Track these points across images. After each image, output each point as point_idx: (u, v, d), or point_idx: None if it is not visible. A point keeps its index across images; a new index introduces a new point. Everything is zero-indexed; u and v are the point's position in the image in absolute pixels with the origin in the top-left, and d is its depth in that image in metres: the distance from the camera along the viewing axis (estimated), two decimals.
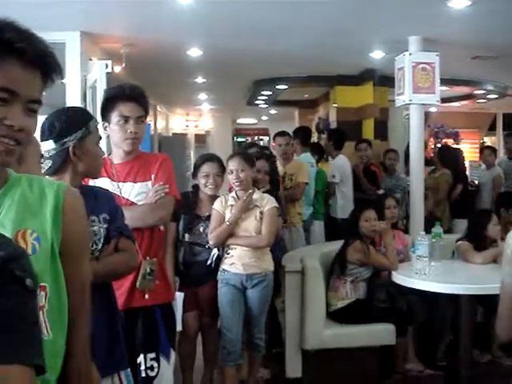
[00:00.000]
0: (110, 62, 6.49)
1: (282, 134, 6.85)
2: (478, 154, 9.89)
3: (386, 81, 8.58)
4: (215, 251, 4.42)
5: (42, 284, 1.54)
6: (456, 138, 11.07)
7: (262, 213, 4.33)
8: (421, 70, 6.22)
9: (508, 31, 6.78)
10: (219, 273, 4.38)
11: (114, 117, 3.32)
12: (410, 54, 6.33)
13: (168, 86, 12.14)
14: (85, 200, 2.31)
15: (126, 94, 3.34)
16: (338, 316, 5.01)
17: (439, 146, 8.74)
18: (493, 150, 8.96)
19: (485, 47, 7.75)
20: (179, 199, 3.49)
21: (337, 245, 5.33)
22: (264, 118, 20.60)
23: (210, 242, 4.33)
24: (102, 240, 2.53)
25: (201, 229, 4.48)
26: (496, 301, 4.82)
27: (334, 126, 10.32)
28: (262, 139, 22.34)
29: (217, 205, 4.38)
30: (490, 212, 5.70)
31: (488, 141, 18.69)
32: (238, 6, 5.83)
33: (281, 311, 5.28)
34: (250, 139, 21.21)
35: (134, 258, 2.73)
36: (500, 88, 11.75)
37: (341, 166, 7.38)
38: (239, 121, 21.52)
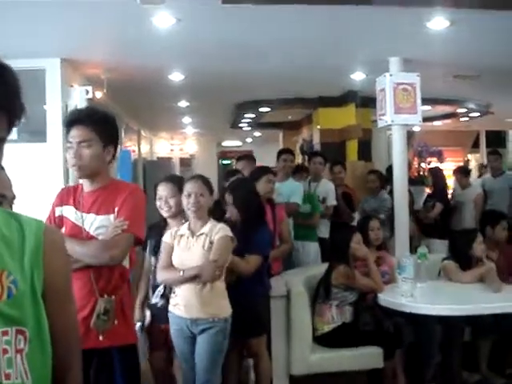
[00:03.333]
0: (90, 88, 6.48)
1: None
2: None
3: (368, 102, 8.62)
4: (161, 289, 4.05)
5: (19, 328, 1.49)
6: (439, 156, 11.06)
7: (211, 242, 3.82)
8: (402, 90, 6.22)
9: (487, 50, 6.84)
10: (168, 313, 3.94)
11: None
12: (391, 75, 6.35)
13: (151, 111, 12.14)
14: None
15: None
16: (324, 340, 4.95)
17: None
18: (465, 171, 9.04)
19: (465, 66, 7.81)
20: (140, 236, 3.21)
21: (322, 268, 5.28)
22: (248, 140, 20.63)
23: (158, 278, 3.95)
24: None
25: None
26: (483, 320, 4.83)
27: (317, 147, 10.32)
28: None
29: (167, 236, 3.97)
30: (475, 231, 5.69)
31: (472, 158, 18.84)
32: (219, 29, 5.82)
33: None
34: (235, 161, 21.21)
35: None
36: (482, 106, 11.85)
37: (330, 189, 7.33)
38: (224, 143, 21.54)
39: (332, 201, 7.22)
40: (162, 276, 3.89)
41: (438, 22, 5.57)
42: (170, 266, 3.84)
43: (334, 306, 4.95)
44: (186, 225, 3.96)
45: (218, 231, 3.85)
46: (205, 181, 4.01)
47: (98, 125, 3.07)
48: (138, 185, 3.46)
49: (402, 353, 5.07)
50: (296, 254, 6.55)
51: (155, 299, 4.13)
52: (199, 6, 5.03)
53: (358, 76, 8.20)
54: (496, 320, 5.08)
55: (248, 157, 7.16)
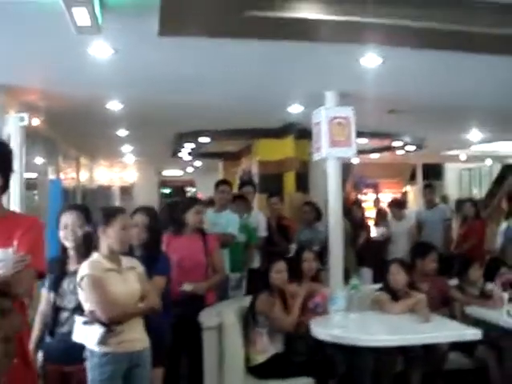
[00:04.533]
0: (26, 115, 6.39)
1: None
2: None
3: (306, 134, 8.73)
4: (101, 330, 3.52)
5: None
6: (375, 188, 11.31)
7: (139, 275, 3.77)
8: (337, 124, 6.35)
9: (420, 87, 7.05)
10: (95, 359, 3.54)
11: None
12: (326, 109, 6.47)
13: (90, 138, 12.05)
14: None
15: None
16: (257, 371, 4.94)
17: None
18: (399, 204, 9.31)
19: (399, 101, 8.02)
20: (42, 271, 3.01)
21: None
22: (189, 169, 20.63)
23: (104, 317, 3.49)
24: None
25: (65, 285, 3.81)
26: (414, 350, 4.91)
27: (255, 178, 10.40)
28: (188, 190, 22.42)
29: (91, 269, 3.60)
30: (391, 261, 5.83)
31: (410, 190, 19.27)
32: (157, 60, 5.83)
33: None
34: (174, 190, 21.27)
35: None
36: (417, 140, 12.15)
37: (261, 219, 7.39)
38: (164, 172, 21.50)
39: (263, 232, 7.28)
40: (112, 313, 3.53)
41: (371, 59, 5.72)
42: (113, 301, 3.57)
43: (264, 334, 4.96)
44: (101, 258, 3.70)
45: (138, 265, 3.84)
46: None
47: None
48: (37, 217, 3.25)
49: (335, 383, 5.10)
50: (232, 285, 6.58)
51: (96, 343, 3.55)
52: (136, 37, 5.05)
53: (295, 109, 8.32)
54: (427, 350, 5.17)
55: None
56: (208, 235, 5.52)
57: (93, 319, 3.51)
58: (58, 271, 3.86)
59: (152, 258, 4.36)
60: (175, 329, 4.63)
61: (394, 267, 5.58)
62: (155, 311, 3.76)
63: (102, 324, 3.50)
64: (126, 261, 3.79)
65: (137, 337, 3.66)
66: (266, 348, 4.97)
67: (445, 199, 16.39)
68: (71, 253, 3.93)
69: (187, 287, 5.05)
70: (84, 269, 3.60)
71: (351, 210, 8.71)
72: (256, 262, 7.15)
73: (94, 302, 3.53)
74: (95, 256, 3.72)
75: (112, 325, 3.52)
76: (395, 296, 5.44)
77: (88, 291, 3.55)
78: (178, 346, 4.87)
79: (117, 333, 3.54)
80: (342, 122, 6.35)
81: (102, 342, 3.50)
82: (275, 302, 5.04)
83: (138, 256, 4.16)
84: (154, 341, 3.82)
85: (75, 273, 3.67)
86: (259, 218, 7.36)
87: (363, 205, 10.06)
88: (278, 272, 5.17)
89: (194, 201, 5.82)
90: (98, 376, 3.52)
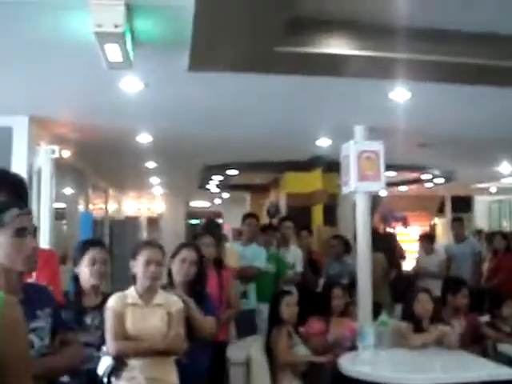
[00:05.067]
0: (56, 148, 6.47)
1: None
2: None
3: (334, 167, 8.70)
4: (109, 361, 3.50)
5: None
6: (404, 221, 11.22)
7: (168, 313, 3.68)
8: (366, 158, 6.32)
9: (447, 120, 7.03)
10: None
11: None
12: (355, 143, 6.45)
13: (119, 170, 12.16)
14: (28, 296, 2.21)
15: None
16: None
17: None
18: (429, 237, 9.15)
19: (428, 135, 7.99)
20: (61, 303, 3.04)
21: None
22: (217, 201, 20.69)
23: (111, 350, 3.50)
24: (48, 335, 2.38)
25: (88, 321, 3.70)
26: None
27: (283, 211, 10.39)
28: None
29: (113, 302, 3.62)
30: (420, 290, 5.76)
31: (439, 223, 19.07)
32: (186, 94, 5.91)
33: None
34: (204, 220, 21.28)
35: (81, 351, 2.61)
36: (446, 172, 12.06)
37: (299, 255, 7.36)
38: (192, 203, 21.57)
39: (300, 268, 7.25)
40: (119, 347, 3.52)
41: (400, 93, 5.72)
42: (123, 336, 3.58)
43: (289, 372, 4.91)
44: (134, 292, 3.72)
45: (175, 303, 3.74)
46: (162, 248, 3.85)
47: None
48: (53, 251, 3.20)
49: None
50: (257, 314, 6.56)
51: (102, 374, 3.52)
52: (166, 71, 5.11)
53: (323, 142, 8.33)
54: None
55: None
56: (224, 268, 5.36)
57: (106, 351, 3.52)
58: (78, 306, 3.76)
59: (196, 297, 4.17)
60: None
61: (422, 295, 5.48)
62: (170, 353, 3.64)
63: (112, 356, 3.50)
64: (162, 297, 3.74)
65: (154, 376, 3.55)
66: (289, 381, 4.89)
67: (479, 233, 16.18)
68: (88, 288, 3.83)
69: None
70: (109, 300, 3.64)
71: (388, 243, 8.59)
72: None
73: (106, 334, 3.54)
74: (129, 290, 3.73)
75: (121, 359, 3.50)
76: (419, 327, 5.35)
77: (106, 322, 3.58)
78: None
79: (127, 368, 3.51)
80: (370, 156, 6.32)
81: (109, 373, 3.47)
82: (284, 333, 4.99)
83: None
84: None
85: (97, 308, 3.69)
86: (297, 254, 7.34)
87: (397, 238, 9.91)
88: (288, 306, 5.14)
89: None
90: None
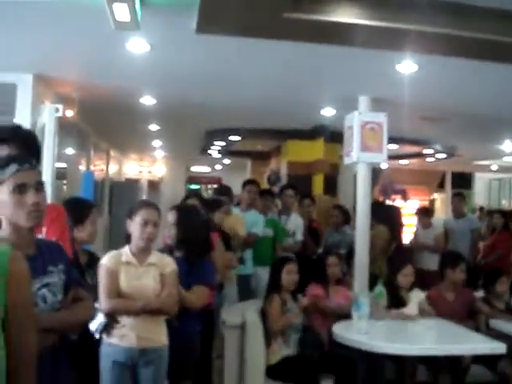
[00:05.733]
0: (60, 107, 6.45)
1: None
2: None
3: (337, 137, 8.70)
4: (101, 318, 3.56)
5: None
6: (404, 195, 11.20)
7: (162, 274, 3.71)
8: (369, 129, 6.31)
9: (454, 95, 7.01)
10: (102, 347, 3.62)
11: None
12: (359, 114, 6.43)
13: (121, 132, 12.14)
14: (41, 251, 2.25)
15: None
16: (272, 373, 4.92)
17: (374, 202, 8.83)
18: (426, 212, 9.14)
19: (433, 109, 7.97)
20: (70, 259, 2.94)
21: None
22: (218, 166, 20.70)
23: (103, 307, 3.55)
24: (61, 291, 2.41)
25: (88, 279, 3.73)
26: (440, 361, 4.87)
27: (284, 179, 10.40)
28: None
29: (108, 260, 3.68)
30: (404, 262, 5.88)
31: (438, 198, 19.11)
32: (192, 58, 5.88)
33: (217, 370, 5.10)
34: (203, 186, 21.38)
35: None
36: (448, 148, 12.04)
37: (300, 224, 7.37)
38: (193, 169, 21.58)
39: (300, 236, 7.27)
40: (112, 304, 3.58)
41: (407, 65, 5.70)
42: (117, 294, 3.62)
43: (279, 336, 4.97)
44: (128, 251, 3.75)
45: (168, 264, 3.77)
46: (159, 210, 3.84)
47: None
48: (62, 208, 3.19)
49: None
50: (254, 279, 6.63)
51: (95, 331, 3.58)
52: (173, 33, 5.08)
53: (328, 112, 8.30)
54: (451, 361, 5.12)
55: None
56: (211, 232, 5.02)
57: (98, 308, 3.56)
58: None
59: (192, 263, 4.17)
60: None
61: (407, 269, 5.62)
62: (163, 313, 3.69)
63: (105, 313, 3.56)
64: (156, 258, 3.77)
65: (145, 334, 3.62)
66: (280, 348, 4.96)
67: (481, 210, 16.21)
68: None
69: None
70: (103, 258, 3.70)
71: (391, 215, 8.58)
72: None
73: (100, 291, 3.58)
74: (123, 248, 3.77)
75: (112, 316, 3.57)
76: (398, 298, 5.46)
77: (99, 280, 3.63)
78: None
79: (119, 325, 3.58)
80: (374, 128, 6.32)
81: (101, 330, 3.56)
82: (277, 300, 5.04)
83: (177, 257, 4.08)
84: (181, 353, 3.83)
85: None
86: (298, 222, 7.35)
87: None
88: (289, 273, 5.18)
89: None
90: (105, 364, 3.61)
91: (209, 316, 4.74)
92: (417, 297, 5.49)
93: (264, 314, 5.07)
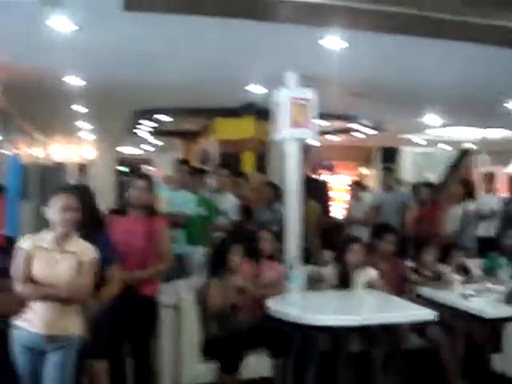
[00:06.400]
0: None
1: None
2: None
3: (266, 114, 8.70)
4: None
5: None
6: (331, 169, 11.37)
7: (79, 263, 3.63)
8: (297, 105, 6.33)
9: (379, 70, 7.12)
10: (13, 330, 3.60)
11: None
12: (287, 89, 6.44)
13: (48, 115, 11.89)
14: None
15: None
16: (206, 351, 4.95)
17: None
18: (358, 184, 9.31)
19: (360, 84, 8.08)
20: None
21: None
22: (149, 148, 20.46)
23: (18, 289, 3.53)
24: None
25: None
26: (373, 330, 4.95)
27: (215, 158, 10.38)
28: (148, 169, 22.28)
29: (24, 243, 3.61)
30: (352, 239, 5.94)
31: (369, 173, 19.42)
32: (118, 36, 5.79)
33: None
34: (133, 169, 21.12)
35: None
36: (376, 123, 12.25)
37: (233, 203, 7.39)
38: (124, 150, 21.28)
39: (233, 215, 7.29)
40: (23, 289, 3.55)
41: (333, 41, 5.75)
42: (29, 278, 3.57)
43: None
44: (48, 236, 3.68)
45: (87, 252, 3.70)
46: (83, 193, 3.81)
47: None
48: None
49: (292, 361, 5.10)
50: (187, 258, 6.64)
51: None
52: (99, 11, 4.99)
53: (255, 88, 8.31)
54: (387, 330, 5.23)
55: None
56: (155, 216, 4.82)
57: None
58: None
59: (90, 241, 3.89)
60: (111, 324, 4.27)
61: (355, 245, 5.63)
62: (73, 302, 3.63)
63: None
64: (76, 245, 3.70)
65: (53, 322, 3.56)
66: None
67: (399, 183, 16.54)
68: None
69: None
70: (21, 241, 3.63)
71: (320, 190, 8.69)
72: None
73: (13, 274, 3.56)
74: (44, 233, 3.70)
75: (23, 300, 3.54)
76: (347, 275, 5.53)
77: (14, 262, 3.58)
78: (117, 339, 4.55)
79: (28, 309, 3.56)
80: (302, 103, 6.34)
81: None
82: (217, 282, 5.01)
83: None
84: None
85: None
86: (231, 201, 7.39)
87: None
88: (236, 255, 5.16)
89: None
90: (15, 348, 3.59)
91: (146, 305, 4.68)
92: (366, 276, 5.52)
93: (202, 295, 5.02)
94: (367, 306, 5.27)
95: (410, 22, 4.84)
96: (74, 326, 3.66)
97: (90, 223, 3.99)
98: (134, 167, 20.96)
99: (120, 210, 4.85)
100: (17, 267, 3.57)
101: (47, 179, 14.26)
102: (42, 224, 3.52)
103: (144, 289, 4.64)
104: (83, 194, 4.06)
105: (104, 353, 4.19)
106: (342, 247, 5.72)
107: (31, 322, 3.55)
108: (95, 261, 3.73)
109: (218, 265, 5.18)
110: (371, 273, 5.54)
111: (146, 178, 4.95)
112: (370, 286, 5.45)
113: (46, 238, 3.67)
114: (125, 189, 4.94)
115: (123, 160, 21.63)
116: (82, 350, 3.68)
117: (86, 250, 3.71)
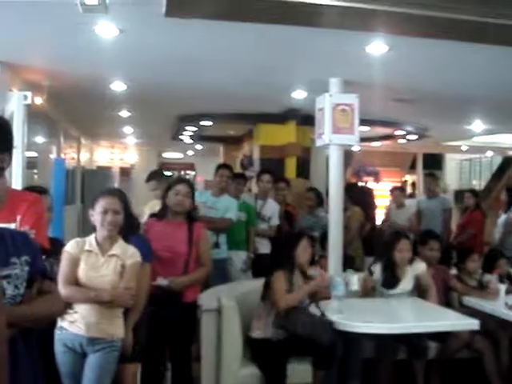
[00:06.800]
0: (29, 94, 6.35)
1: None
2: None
3: (309, 120, 8.71)
4: None
5: None
6: (376, 176, 11.29)
7: (123, 266, 3.71)
8: (340, 111, 6.32)
9: (424, 76, 7.04)
10: (56, 330, 3.67)
11: None
12: (330, 96, 6.44)
13: (92, 119, 12.02)
14: (3, 243, 2.17)
15: None
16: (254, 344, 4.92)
17: (348, 184, 8.81)
18: (401, 190, 9.22)
19: (404, 90, 8.00)
20: (46, 246, 3.05)
21: (256, 283, 5.28)
22: (190, 152, 20.61)
23: (61, 291, 3.43)
24: (24, 284, 2.30)
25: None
26: (417, 339, 4.90)
27: (257, 163, 10.40)
28: (188, 174, 22.44)
29: (70, 247, 3.72)
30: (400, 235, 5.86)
31: (410, 179, 19.27)
32: (161, 41, 5.82)
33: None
34: (176, 173, 21.27)
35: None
36: (419, 129, 12.12)
37: (276, 209, 7.39)
38: (165, 155, 21.47)
39: (276, 221, 7.29)
40: (66, 292, 3.57)
41: (377, 47, 5.70)
42: (74, 281, 3.66)
43: (271, 312, 4.88)
44: (93, 240, 3.78)
45: (131, 256, 3.77)
46: (122, 197, 3.88)
47: None
48: (38, 195, 3.17)
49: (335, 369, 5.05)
50: (229, 263, 6.66)
51: None
52: (142, 16, 5.02)
53: (299, 94, 8.30)
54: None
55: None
56: (195, 222, 4.83)
57: None
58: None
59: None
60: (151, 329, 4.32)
61: (403, 244, 5.56)
62: (116, 306, 3.70)
63: None
64: (120, 248, 3.77)
65: (95, 324, 3.63)
66: (267, 327, 4.88)
67: (444, 189, 16.39)
68: None
69: (161, 282, 4.46)
70: (67, 245, 3.74)
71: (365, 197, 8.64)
72: (266, 249, 7.16)
73: (59, 276, 3.64)
74: (89, 236, 3.79)
75: (66, 302, 3.53)
76: (395, 275, 5.50)
77: (60, 265, 3.68)
78: (157, 344, 4.60)
79: (71, 311, 3.62)
80: (345, 109, 6.33)
81: None
82: (284, 277, 4.90)
83: None
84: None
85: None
86: (274, 207, 7.38)
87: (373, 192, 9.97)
88: (305, 249, 5.05)
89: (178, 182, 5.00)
90: (57, 348, 3.67)
91: (188, 311, 4.70)
92: (414, 270, 5.51)
93: (266, 293, 4.93)
94: (411, 314, 5.21)
95: (454, 26, 4.77)
96: (116, 329, 3.73)
97: (127, 226, 4.03)
98: (177, 172, 21.15)
99: (159, 214, 4.89)
100: (62, 270, 3.66)
101: (91, 183, 14.48)
102: (85, 228, 3.59)
103: (186, 294, 4.66)
104: (124, 198, 4.10)
105: (139, 357, 4.20)
106: (391, 243, 5.66)
107: (74, 323, 3.63)
108: (139, 264, 3.79)
109: (283, 259, 5.07)
110: (421, 266, 5.49)
111: (187, 182, 4.99)
112: (419, 279, 5.40)
113: (91, 241, 3.76)
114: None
115: (165, 164, 21.82)
116: (119, 351, 3.75)
117: (130, 253, 3.78)
